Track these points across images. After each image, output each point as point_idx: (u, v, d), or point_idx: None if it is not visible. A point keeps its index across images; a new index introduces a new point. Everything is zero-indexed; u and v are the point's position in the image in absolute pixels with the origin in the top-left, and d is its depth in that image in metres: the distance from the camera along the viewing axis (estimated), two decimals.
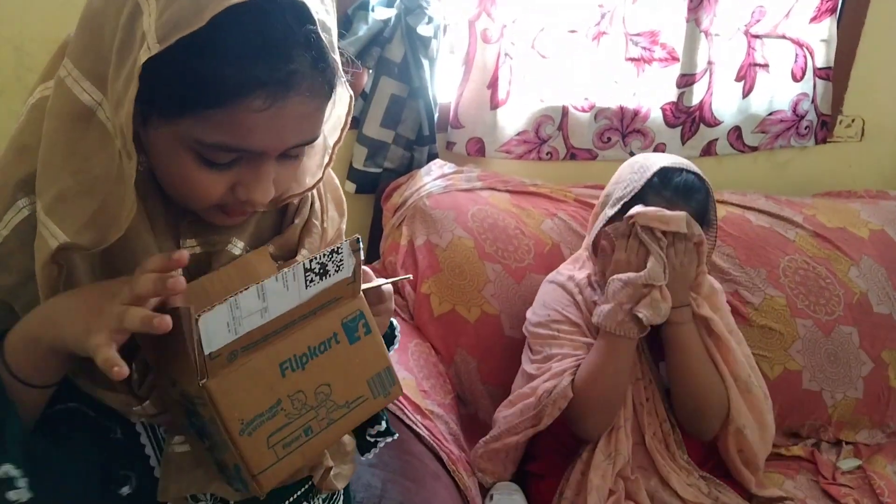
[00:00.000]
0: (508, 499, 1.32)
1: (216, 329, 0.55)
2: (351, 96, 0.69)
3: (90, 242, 0.60)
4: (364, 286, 0.69)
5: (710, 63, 1.77)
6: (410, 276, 0.75)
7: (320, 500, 0.83)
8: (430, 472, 1.24)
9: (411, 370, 1.39)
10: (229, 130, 0.58)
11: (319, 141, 0.70)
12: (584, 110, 1.77)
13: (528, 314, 1.42)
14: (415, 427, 1.29)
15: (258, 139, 0.60)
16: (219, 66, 0.56)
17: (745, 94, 1.85)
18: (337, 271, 0.62)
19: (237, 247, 0.71)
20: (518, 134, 1.75)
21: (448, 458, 1.29)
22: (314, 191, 0.78)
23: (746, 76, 1.84)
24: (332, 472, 0.78)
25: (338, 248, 0.62)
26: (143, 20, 0.55)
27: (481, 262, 1.52)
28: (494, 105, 1.70)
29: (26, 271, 0.63)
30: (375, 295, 0.74)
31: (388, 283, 0.76)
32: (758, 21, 1.80)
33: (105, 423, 0.68)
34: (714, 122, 1.83)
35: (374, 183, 1.67)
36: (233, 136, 0.59)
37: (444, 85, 1.70)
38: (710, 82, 1.79)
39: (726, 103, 1.84)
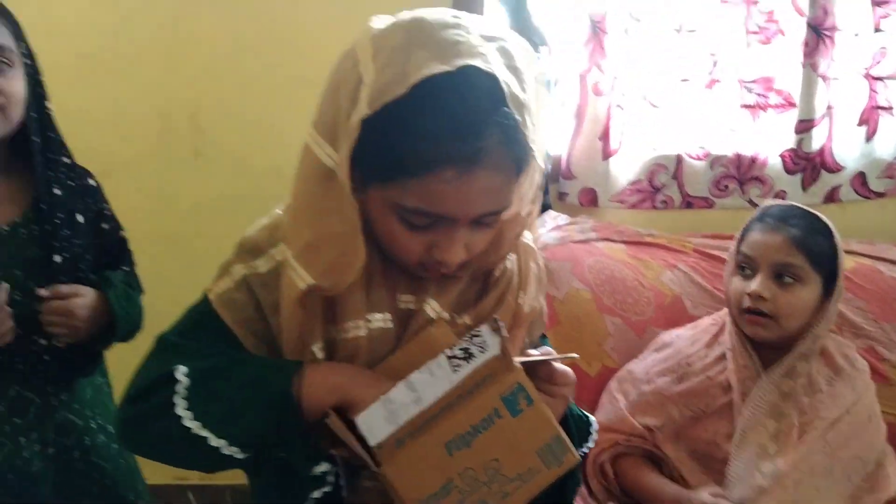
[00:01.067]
0: None
1: (375, 423, 0.62)
2: (541, 169, 0.74)
3: (330, 286, 0.69)
4: (524, 359, 0.72)
5: (829, 107, 1.76)
6: (577, 355, 0.76)
7: None
8: None
9: None
10: (424, 198, 0.66)
11: (517, 211, 0.75)
12: (699, 158, 1.79)
13: (631, 364, 1.43)
14: None
15: (449, 207, 0.67)
16: (416, 141, 0.64)
17: (869, 137, 1.81)
18: (482, 352, 0.67)
19: (434, 310, 0.77)
20: (631, 183, 1.78)
21: None
22: (515, 267, 0.83)
23: (869, 119, 1.80)
24: None
25: (477, 331, 0.67)
26: (363, 88, 0.64)
27: (600, 314, 1.54)
28: (606, 155, 1.74)
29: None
30: (546, 372, 0.75)
31: (549, 358, 0.77)
32: (878, 63, 1.78)
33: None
34: (836, 168, 1.80)
35: None
36: (427, 203, 0.67)
37: (554, 137, 1.76)
38: (829, 127, 1.77)
39: (848, 148, 1.81)
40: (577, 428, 0.85)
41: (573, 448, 0.70)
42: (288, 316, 0.71)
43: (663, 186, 1.80)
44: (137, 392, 0.74)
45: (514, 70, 0.66)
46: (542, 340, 0.92)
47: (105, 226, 1.18)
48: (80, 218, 1.12)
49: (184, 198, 1.76)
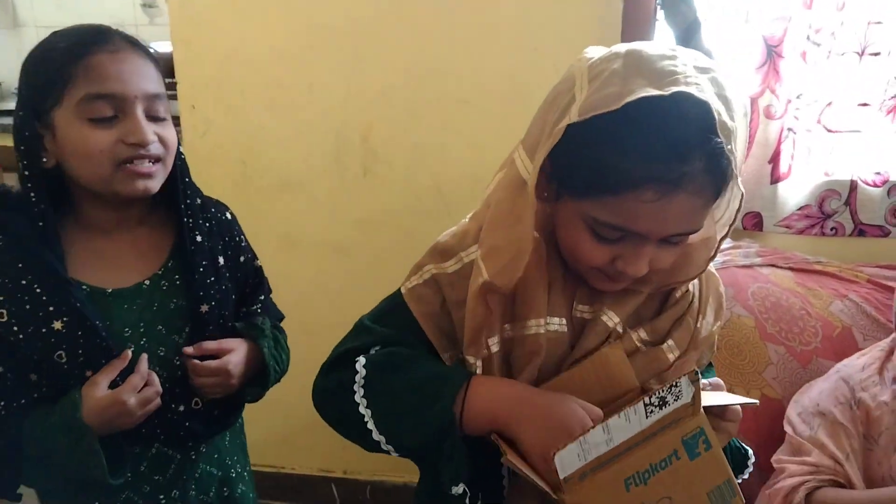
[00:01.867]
0: None
1: (569, 460, 0.67)
2: (743, 194, 0.75)
3: (500, 283, 0.73)
4: (708, 403, 0.75)
5: None
6: (757, 401, 0.78)
7: None
8: None
9: None
10: (620, 214, 0.70)
11: (710, 234, 0.78)
12: (875, 185, 1.71)
13: (802, 392, 1.39)
14: None
15: (642, 225, 0.71)
16: (622, 159, 0.67)
17: None
18: (675, 400, 0.70)
19: (612, 320, 0.81)
20: (800, 208, 1.73)
21: None
22: (696, 291, 0.86)
23: None
24: None
25: (676, 382, 0.70)
26: (574, 105, 0.69)
27: (762, 342, 1.51)
28: (775, 179, 1.70)
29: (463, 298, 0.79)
30: (718, 408, 0.78)
31: (730, 402, 0.79)
32: None
33: None
34: None
35: None
36: (622, 219, 0.71)
37: None
38: None
39: None
40: (733, 458, 0.87)
41: (740, 492, 0.73)
42: (470, 308, 0.77)
43: (834, 213, 1.74)
44: (329, 366, 0.83)
45: (723, 99, 0.69)
46: (708, 368, 0.94)
47: (242, 258, 1.14)
48: (221, 260, 1.07)
49: (353, 211, 1.90)
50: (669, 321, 0.83)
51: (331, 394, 0.81)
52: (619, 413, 0.68)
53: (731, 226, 0.78)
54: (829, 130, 1.69)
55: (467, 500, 0.75)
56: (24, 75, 0.94)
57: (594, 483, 0.68)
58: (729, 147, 0.68)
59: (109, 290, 0.99)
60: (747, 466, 0.91)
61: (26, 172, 0.93)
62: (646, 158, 0.67)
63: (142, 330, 1.00)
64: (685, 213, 0.70)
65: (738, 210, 0.76)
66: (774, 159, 1.68)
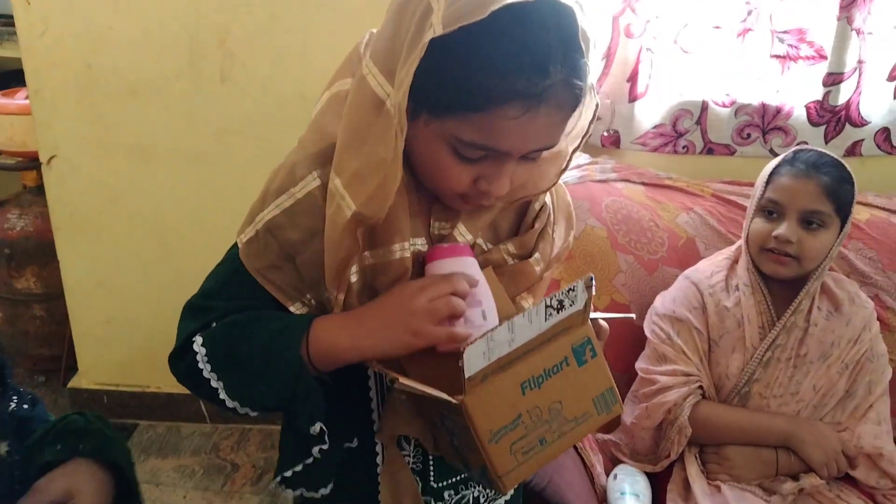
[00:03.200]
0: (632, 479, 1.42)
1: (475, 358, 0.69)
2: (597, 104, 0.77)
3: (371, 213, 0.71)
4: (595, 315, 0.80)
5: (860, 62, 1.79)
6: (634, 315, 0.84)
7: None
8: None
9: None
10: (484, 132, 0.70)
11: (561, 147, 0.80)
12: (724, 105, 1.84)
13: (657, 300, 1.52)
14: None
15: (506, 142, 0.71)
16: (485, 76, 0.66)
17: None
18: (571, 305, 0.73)
19: (463, 236, 0.83)
20: (655, 127, 1.84)
21: None
22: (551, 203, 0.88)
23: None
24: None
25: (573, 286, 0.73)
26: (433, 16, 0.66)
27: (613, 252, 1.62)
28: (633, 98, 1.80)
29: (309, 230, 0.78)
30: (596, 326, 0.82)
31: (609, 316, 0.85)
32: None
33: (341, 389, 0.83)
34: (861, 123, 1.85)
35: None
36: (486, 138, 0.70)
37: None
38: (858, 81, 1.81)
39: (875, 103, 1.85)
40: None
41: (621, 399, 0.79)
42: (334, 242, 0.75)
43: (686, 132, 1.86)
44: (174, 356, 0.83)
45: (580, 6, 0.69)
46: None
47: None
48: None
49: (211, 120, 1.84)
50: (535, 236, 0.87)
51: (184, 378, 0.82)
52: (522, 313, 0.70)
53: (583, 138, 0.80)
54: (685, 52, 1.79)
55: (326, 438, 0.78)
56: None
57: (493, 386, 0.71)
58: (587, 57, 0.69)
59: None
60: None
61: None
62: (510, 74, 0.66)
63: None
64: (547, 127, 0.71)
65: (591, 121, 0.78)
66: (633, 78, 1.76)
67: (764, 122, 1.86)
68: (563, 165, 0.83)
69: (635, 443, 1.49)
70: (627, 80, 1.77)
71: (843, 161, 1.38)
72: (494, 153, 0.72)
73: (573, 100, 0.71)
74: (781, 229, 1.34)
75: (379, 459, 0.87)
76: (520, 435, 0.73)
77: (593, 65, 0.74)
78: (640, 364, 1.50)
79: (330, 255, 0.76)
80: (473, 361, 0.68)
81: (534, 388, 0.73)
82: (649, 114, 1.83)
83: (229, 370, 0.78)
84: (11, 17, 1.79)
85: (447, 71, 0.68)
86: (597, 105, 0.77)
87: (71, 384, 2.19)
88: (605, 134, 1.84)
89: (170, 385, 2.15)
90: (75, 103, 1.83)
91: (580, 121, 0.79)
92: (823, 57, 1.81)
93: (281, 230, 0.79)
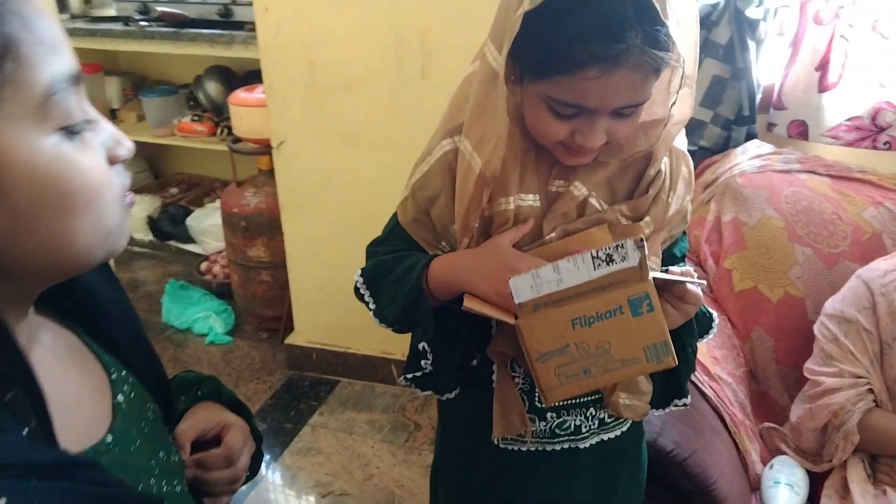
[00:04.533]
0: (790, 470, 1.43)
1: (522, 288, 0.82)
2: (681, 74, 0.86)
3: (490, 171, 0.86)
4: (662, 276, 0.88)
5: None
6: (705, 282, 0.91)
7: (606, 414, 1.07)
8: (710, 426, 1.41)
9: None
10: (570, 91, 0.82)
11: (661, 115, 0.91)
12: None
13: (827, 302, 1.49)
14: (701, 386, 1.46)
15: (591, 100, 0.82)
16: (568, 43, 0.79)
17: None
18: (622, 260, 0.82)
19: (579, 189, 0.95)
20: (849, 119, 1.78)
21: (731, 419, 1.45)
22: (667, 169, 0.98)
23: None
24: (621, 400, 1.01)
25: (622, 243, 0.82)
26: None
27: (790, 243, 1.62)
28: (823, 88, 1.76)
29: (438, 189, 0.94)
30: (680, 291, 0.90)
31: (674, 279, 0.91)
32: None
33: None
34: None
35: None
36: (573, 96, 0.82)
37: (769, 67, 1.81)
38: None
39: None
40: (698, 323, 1.01)
41: (674, 354, 0.86)
42: (464, 195, 0.90)
43: (889, 126, 1.77)
44: (354, 288, 1.03)
45: None
46: (682, 237, 1.07)
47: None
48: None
49: (410, 112, 2.08)
50: (648, 201, 0.96)
51: (358, 298, 1.04)
52: (567, 258, 0.82)
53: (673, 105, 0.89)
54: (885, 38, 1.72)
55: (429, 356, 0.94)
56: None
57: (545, 315, 0.84)
58: (664, 22, 0.79)
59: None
60: (711, 328, 1.07)
61: None
62: (587, 40, 0.78)
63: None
64: (627, 87, 0.82)
65: (681, 83, 0.87)
66: (823, 67, 1.73)
67: None
68: (663, 131, 0.92)
69: (800, 441, 1.49)
70: (817, 69, 1.74)
71: None
72: (584, 110, 0.84)
73: (653, 61, 0.81)
74: None
75: (494, 377, 1.01)
76: (565, 361, 0.84)
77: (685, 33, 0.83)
78: (807, 365, 1.50)
79: (460, 205, 0.92)
80: (521, 290, 0.81)
81: (584, 325, 0.83)
82: (843, 106, 1.77)
83: (374, 294, 1.00)
84: (254, 23, 2.15)
85: (539, 39, 0.81)
86: (682, 74, 0.85)
87: (287, 341, 2.55)
88: (789, 124, 1.81)
89: (368, 349, 2.43)
90: (300, 96, 2.15)
91: (671, 88, 0.88)
92: None
93: (421, 190, 0.97)
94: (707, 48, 1.74)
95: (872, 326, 1.40)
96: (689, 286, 0.91)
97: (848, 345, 1.42)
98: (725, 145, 1.82)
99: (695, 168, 1.82)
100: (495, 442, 1.03)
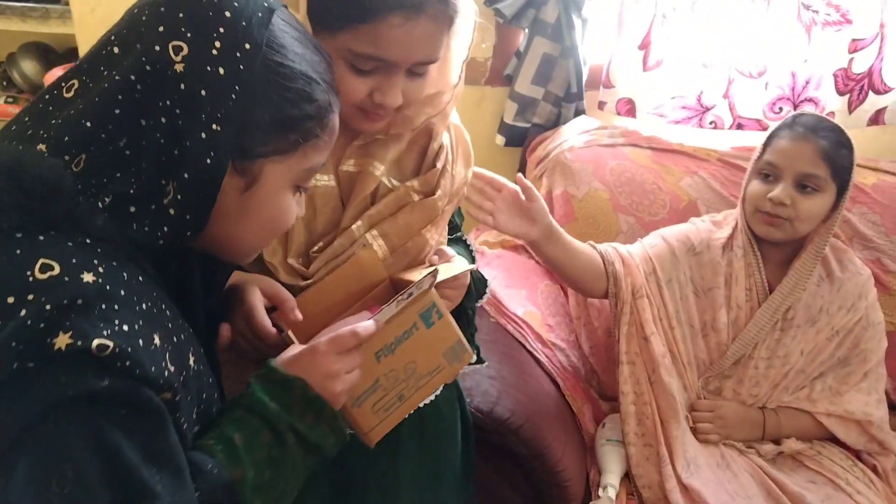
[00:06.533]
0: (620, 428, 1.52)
1: None
2: (467, 42, 0.93)
3: None
4: (440, 278, 0.91)
5: (881, 26, 1.81)
6: (475, 266, 1.05)
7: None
8: (544, 391, 1.48)
9: (538, 306, 1.63)
10: (373, 43, 0.83)
11: (449, 77, 0.95)
12: (751, 77, 1.87)
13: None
14: (535, 353, 1.53)
15: (393, 51, 0.84)
16: None
17: None
18: (418, 290, 0.88)
19: (378, 169, 0.98)
20: (674, 98, 1.90)
21: (564, 384, 1.53)
22: (449, 144, 1.03)
23: None
24: None
25: (420, 281, 0.86)
26: None
27: (615, 213, 1.73)
28: (647, 67, 1.87)
29: None
30: (450, 280, 0.97)
31: (454, 274, 0.97)
32: None
33: None
34: (884, 90, 1.87)
35: (522, 137, 1.92)
36: (374, 48, 0.84)
37: (597, 45, 1.91)
38: (881, 47, 1.83)
39: None
40: (476, 288, 1.11)
41: (469, 349, 0.94)
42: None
43: (714, 106, 1.90)
44: None
45: None
46: (458, 212, 1.17)
47: None
48: None
49: None
50: (437, 174, 1.01)
51: None
52: (375, 315, 0.84)
53: (469, 48, 0.94)
54: (704, 19, 1.83)
55: None
56: None
57: None
58: None
59: None
60: (485, 292, 1.18)
61: None
62: None
63: None
64: (426, 38, 0.86)
65: (469, 46, 0.93)
66: (645, 46, 1.84)
67: (794, 95, 1.89)
68: (447, 97, 0.98)
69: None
70: (640, 48, 1.84)
71: (841, 126, 1.44)
72: (384, 64, 0.87)
73: (448, 14, 0.86)
74: (776, 191, 1.40)
75: None
76: (379, 397, 0.88)
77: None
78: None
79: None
80: None
81: (388, 354, 0.88)
82: (667, 84, 1.89)
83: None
84: None
85: None
86: (469, 42, 0.92)
87: None
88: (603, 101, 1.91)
89: None
90: None
91: (459, 57, 0.94)
92: (849, 21, 1.81)
93: None
94: (536, 26, 1.82)
95: (688, 259, 1.52)
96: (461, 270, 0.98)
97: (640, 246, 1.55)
98: (557, 122, 1.91)
99: (528, 145, 1.92)
100: None
